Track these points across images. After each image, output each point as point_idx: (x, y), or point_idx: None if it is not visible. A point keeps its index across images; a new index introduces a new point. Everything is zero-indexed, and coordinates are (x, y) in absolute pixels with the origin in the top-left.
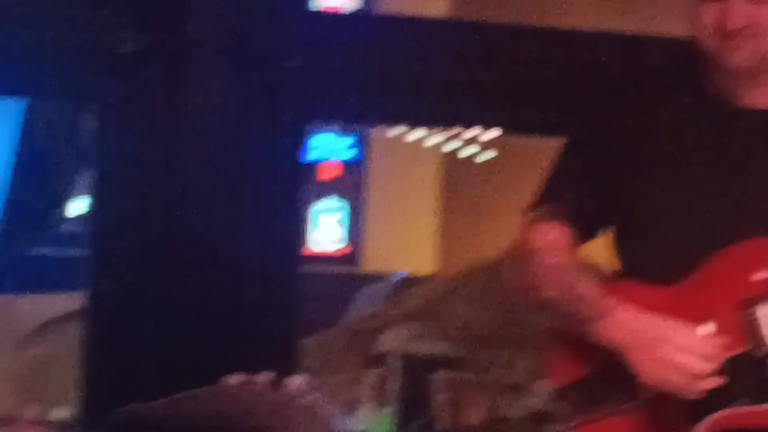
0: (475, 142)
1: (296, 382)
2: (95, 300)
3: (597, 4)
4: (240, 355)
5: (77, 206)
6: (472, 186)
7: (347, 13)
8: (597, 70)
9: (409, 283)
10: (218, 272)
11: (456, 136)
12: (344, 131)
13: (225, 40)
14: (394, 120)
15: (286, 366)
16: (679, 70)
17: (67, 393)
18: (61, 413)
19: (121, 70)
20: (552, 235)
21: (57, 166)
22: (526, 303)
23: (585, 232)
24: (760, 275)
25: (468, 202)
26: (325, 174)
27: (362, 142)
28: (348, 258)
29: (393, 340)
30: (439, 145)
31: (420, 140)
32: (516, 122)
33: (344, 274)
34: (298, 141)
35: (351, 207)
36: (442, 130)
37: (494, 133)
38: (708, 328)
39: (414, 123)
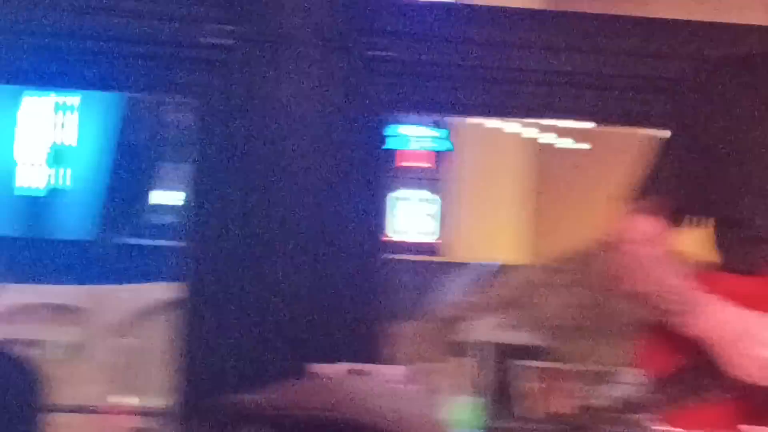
0: (567, 133)
1: (388, 371)
2: (189, 290)
3: None
4: (329, 344)
5: (170, 198)
6: (562, 177)
7: (438, 4)
8: (693, 61)
9: (498, 272)
10: (308, 260)
11: (548, 127)
12: (436, 122)
13: (313, 31)
14: (485, 111)
15: (376, 355)
16: None
17: (160, 382)
18: (154, 402)
19: (211, 63)
20: (645, 228)
21: (152, 158)
22: (619, 294)
23: (678, 224)
24: None
25: (558, 192)
26: (417, 164)
27: (454, 133)
28: (437, 247)
29: (482, 330)
30: (530, 136)
31: (511, 131)
32: (608, 113)
33: (434, 263)
34: (385, 130)
35: (442, 197)
36: (534, 122)
37: (586, 124)
38: None
39: (506, 114)
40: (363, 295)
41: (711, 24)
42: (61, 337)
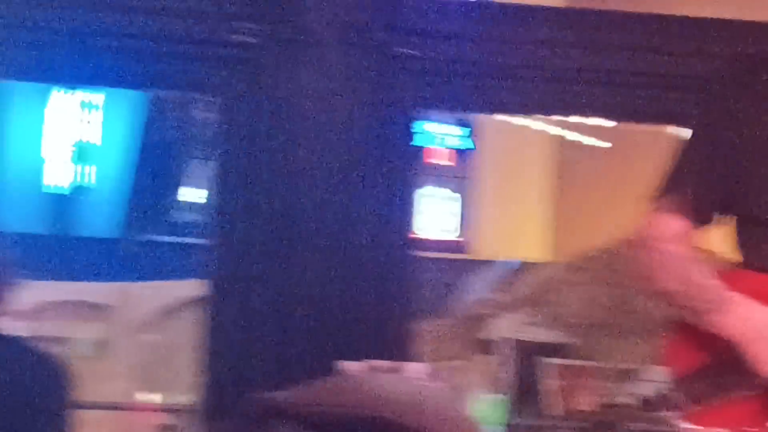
0: (591, 131)
1: (413, 368)
2: (215, 287)
3: None
4: (355, 341)
5: (195, 195)
6: (585, 174)
7: (465, 1)
8: (716, 59)
9: (521, 270)
10: (333, 258)
11: (571, 124)
12: (458, 120)
13: (339, 29)
14: (507, 108)
15: (401, 352)
16: None
17: (185, 379)
18: (179, 399)
19: (238, 61)
20: (671, 226)
21: (176, 156)
22: (645, 292)
23: (704, 222)
24: None
25: (581, 190)
26: (439, 162)
27: (475, 131)
28: (460, 244)
29: (505, 327)
30: (553, 134)
31: (533, 129)
32: (631, 111)
33: (456, 260)
34: (411, 128)
35: (464, 194)
36: (558, 119)
37: (609, 121)
38: None
39: (528, 111)
40: (390, 293)
41: (736, 22)
42: (88, 335)
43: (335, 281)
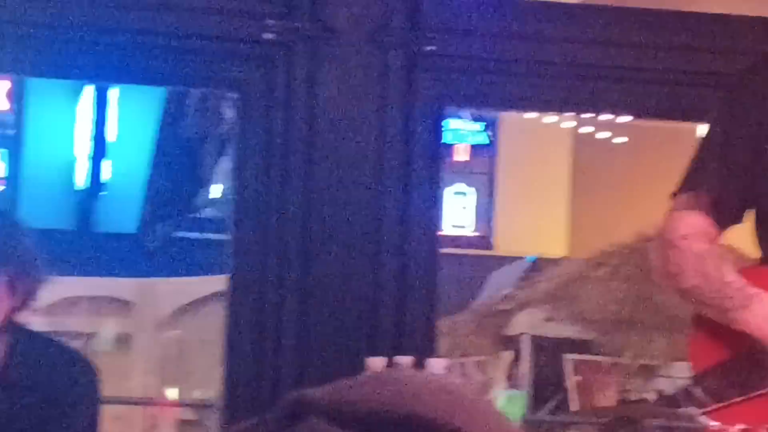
0: (608, 127)
1: (438, 364)
2: (237, 283)
3: None
4: (379, 338)
5: (217, 191)
6: (603, 170)
7: None
8: (736, 56)
9: (540, 265)
10: (358, 254)
11: (588, 120)
12: (476, 116)
13: (364, 26)
14: (527, 104)
15: (425, 348)
16: None
17: (207, 375)
18: (201, 395)
19: (262, 58)
20: (694, 223)
21: (198, 152)
22: (668, 289)
23: (726, 219)
24: None
25: (599, 185)
26: (457, 158)
27: (493, 126)
28: (479, 241)
29: (525, 323)
30: (570, 129)
31: (551, 124)
32: (649, 107)
33: (476, 256)
34: (435, 125)
35: (482, 190)
36: (574, 115)
37: (627, 117)
38: None
39: (546, 107)
40: (415, 290)
41: (757, 19)
42: (111, 330)
43: (360, 278)
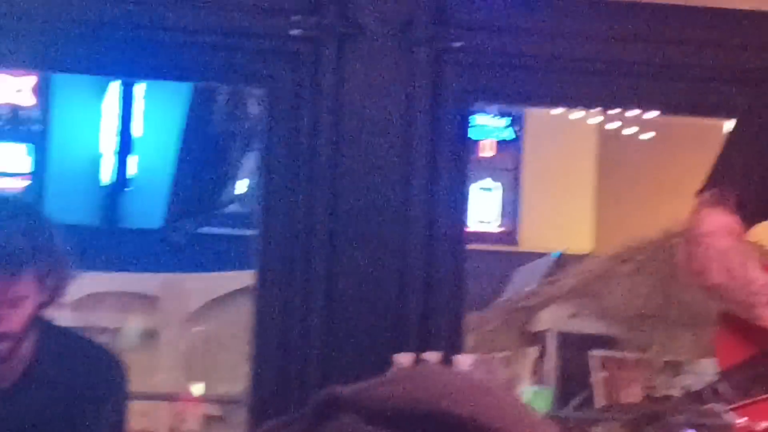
0: (634, 122)
1: (465, 360)
2: (263, 278)
3: None
4: (406, 334)
5: (243, 187)
6: (629, 165)
7: None
8: (763, 52)
9: (566, 261)
10: (385, 250)
11: (614, 116)
12: (501, 111)
13: (391, 22)
14: (553, 100)
15: (452, 345)
16: None
17: (233, 370)
18: (226, 390)
19: (289, 54)
20: (720, 220)
21: (223, 148)
22: (695, 286)
23: (752, 216)
24: None
25: (625, 181)
26: (482, 153)
27: (518, 122)
28: (504, 237)
29: (550, 319)
30: (596, 125)
31: (577, 120)
32: (677, 103)
33: (501, 252)
34: (462, 121)
35: (507, 186)
36: (600, 110)
37: (654, 113)
38: None
39: (572, 103)
40: (442, 287)
41: None
42: (137, 325)
43: (386, 274)
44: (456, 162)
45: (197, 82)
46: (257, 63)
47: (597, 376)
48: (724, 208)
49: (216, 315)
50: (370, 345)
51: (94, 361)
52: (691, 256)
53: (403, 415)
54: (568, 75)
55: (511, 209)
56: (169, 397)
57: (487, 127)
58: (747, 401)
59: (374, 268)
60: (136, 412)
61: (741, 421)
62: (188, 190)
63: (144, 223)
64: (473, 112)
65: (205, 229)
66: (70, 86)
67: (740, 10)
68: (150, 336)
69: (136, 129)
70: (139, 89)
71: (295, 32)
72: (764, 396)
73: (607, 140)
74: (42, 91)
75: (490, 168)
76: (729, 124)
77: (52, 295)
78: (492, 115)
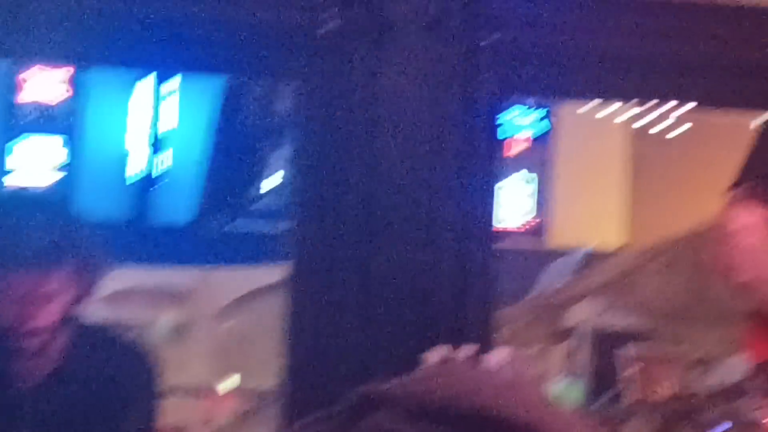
0: (666, 117)
1: (498, 356)
2: (297, 274)
3: None
4: (439, 328)
5: (274, 182)
6: (661, 161)
7: None
8: None
9: (597, 257)
10: (418, 245)
11: (646, 110)
12: (534, 105)
13: (422, 17)
14: (586, 95)
15: (484, 339)
16: None
17: (265, 365)
18: (259, 385)
19: (321, 49)
20: (749, 217)
21: (254, 143)
22: (726, 281)
23: None
24: None
25: (657, 176)
26: (514, 148)
27: (551, 116)
28: (536, 232)
29: (582, 314)
30: (628, 120)
31: (609, 115)
32: (708, 97)
33: (532, 248)
34: (494, 116)
35: (539, 181)
36: (633, 105)
37: (685, 107)
38: None
39: (605, 97)
40: (472, 284)
41: None
42: (168, 320)
43: (420, 268)
44: (488, 157)
45: (229, 77)
46: (289, 57)
47: (628, 372)
48: (755, 204)
49: (248, 310)
50: (402, 339)
51: (124, 356)
52: (722, 252)
53: (439, 412)
54: (602, 70)
55: (543, 205)
56: (201, 393)
57: (521, 121)
58: None
59: (407, 262)
60: (169, 407)
61: None
62: (220, 184)
63: (176, 217)
64: (509, 105)
65: (237, 224)
66: (103, 80)
67: None
68: (181, 331)
69: (168, 124)
70: (167, 87)
71: (326, 27)
72: None
73: (638, 137)
74: (77, 83)
75: (524, 162)
76: (757, 121)
77: (84, 291)
78: (528, 107)
